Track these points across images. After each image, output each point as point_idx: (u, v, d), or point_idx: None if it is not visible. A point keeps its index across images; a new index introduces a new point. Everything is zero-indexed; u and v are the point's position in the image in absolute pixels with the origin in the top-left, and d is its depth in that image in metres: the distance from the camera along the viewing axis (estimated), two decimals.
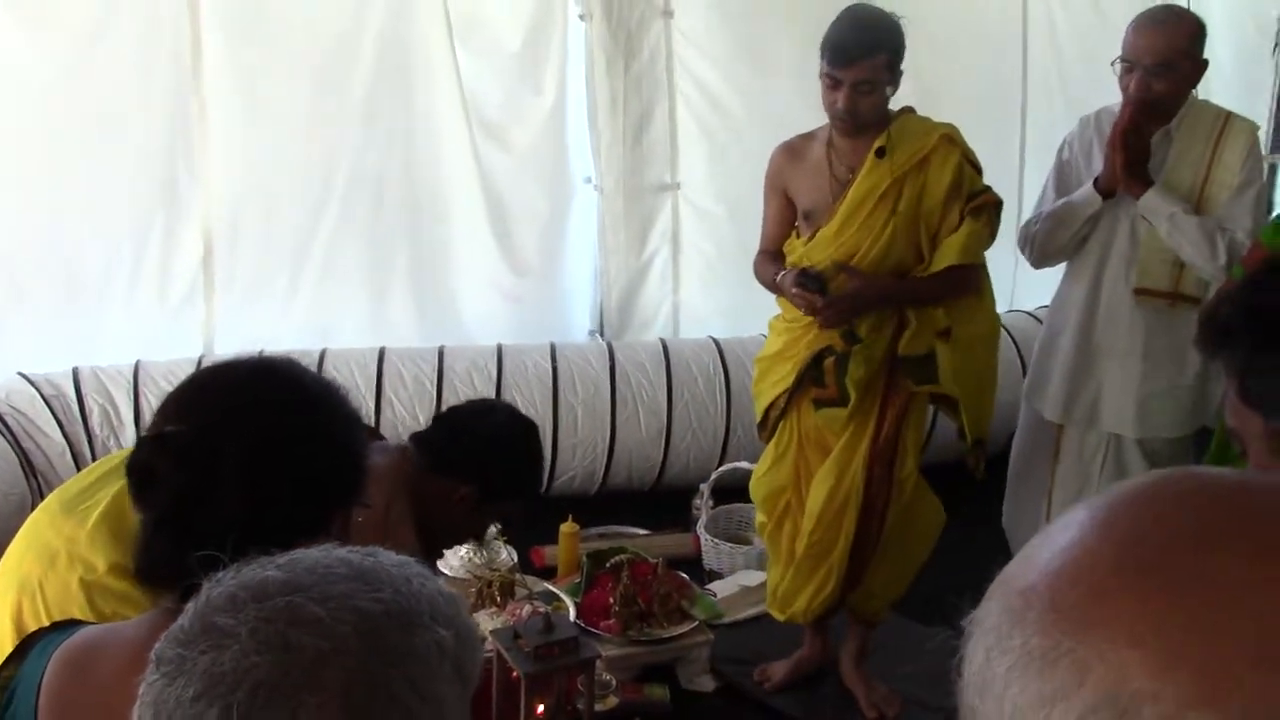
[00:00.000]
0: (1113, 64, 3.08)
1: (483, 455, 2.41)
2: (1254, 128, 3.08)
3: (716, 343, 4.65)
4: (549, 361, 4.41)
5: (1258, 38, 5.34)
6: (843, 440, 3.16)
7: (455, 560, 3.58)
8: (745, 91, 4.81)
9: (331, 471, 1.38)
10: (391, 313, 4.65)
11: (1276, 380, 1.04)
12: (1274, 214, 2.91)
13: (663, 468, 4.49)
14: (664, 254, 4.93)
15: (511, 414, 2.58)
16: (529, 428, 2.56)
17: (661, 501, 4.48)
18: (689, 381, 4.48)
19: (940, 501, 3.35)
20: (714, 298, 4.96)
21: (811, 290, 3.01)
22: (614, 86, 4.70)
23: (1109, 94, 3.21)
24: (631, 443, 4.43)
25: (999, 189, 3.06)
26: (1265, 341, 1.06)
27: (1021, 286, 5.13)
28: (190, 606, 0.85)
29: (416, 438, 2.53)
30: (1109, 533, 0.56)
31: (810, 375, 3.16)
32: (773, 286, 3.23)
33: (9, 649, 1.65)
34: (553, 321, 4.95)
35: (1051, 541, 0.59)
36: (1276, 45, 5.08)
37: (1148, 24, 3.03)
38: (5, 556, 1.81)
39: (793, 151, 3.25)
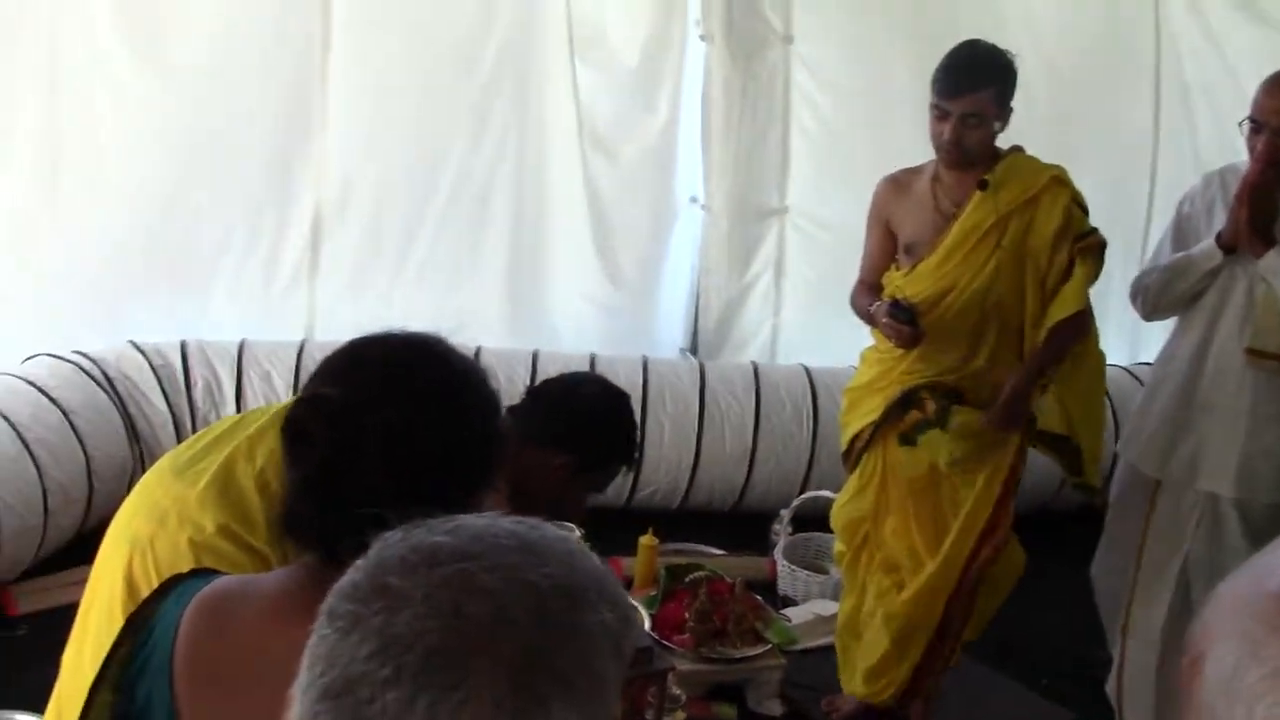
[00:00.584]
0: (1240, 124, 3.04)
1: (579, 424, 2.42)
2: None
3: (807, 370, 4.65)
4: (640, 374, 4.44)
5: None
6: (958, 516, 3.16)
7: None
8: (860, 121, 4.82)
9: (472, 453, 1.41)
10: (488, 313, 4.70)
11: None
12: None
13: (744, 490, 4.49)
14: (767, 277, 4.94)
15: (604, 385, 2.58)
16: (622, 397, 2.55)
17: (740, 523, 4.48)
18: (777, 407, 4.49)
19: (1023, 548, 3.33)
20: (812, 325, 4.95)
21: (901, 321, 3.01)
22: (729, 108, 4.73)
23: (1235, 153, 3.17)
24: (715, 463, 4.44)
25: (1125, 240, 3.05)
26: None
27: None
28: (360, 564, 0.87)
29: (513, 410, 2.57)
30: None
31: (900, 409, 3.16)
32: (867, 317, 3.24)
33: (120, 602, 1.72)
34: (644, 336, 4.98)
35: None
36: None
37: (1275, 85, 2.98)
38: (118, 516, 1.87)
39: (898, 184, 3.27)
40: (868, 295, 3.27)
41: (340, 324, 4.33)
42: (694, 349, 5.01)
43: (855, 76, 4.80)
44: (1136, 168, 5.18)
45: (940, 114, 3.01)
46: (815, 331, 4.95)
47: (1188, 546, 3.15)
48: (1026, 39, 4.54)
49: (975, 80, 2.96)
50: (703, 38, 4.71)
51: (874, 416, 3.22)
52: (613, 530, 3.50)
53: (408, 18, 4.39)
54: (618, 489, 4.37)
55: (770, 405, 4.47)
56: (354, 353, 1.44)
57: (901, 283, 3.18)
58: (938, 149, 3.08)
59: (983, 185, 3.04)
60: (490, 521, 0.89)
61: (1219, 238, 3.04)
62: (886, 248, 3.29)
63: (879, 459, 3.25)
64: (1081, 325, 3.08)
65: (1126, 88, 5.15)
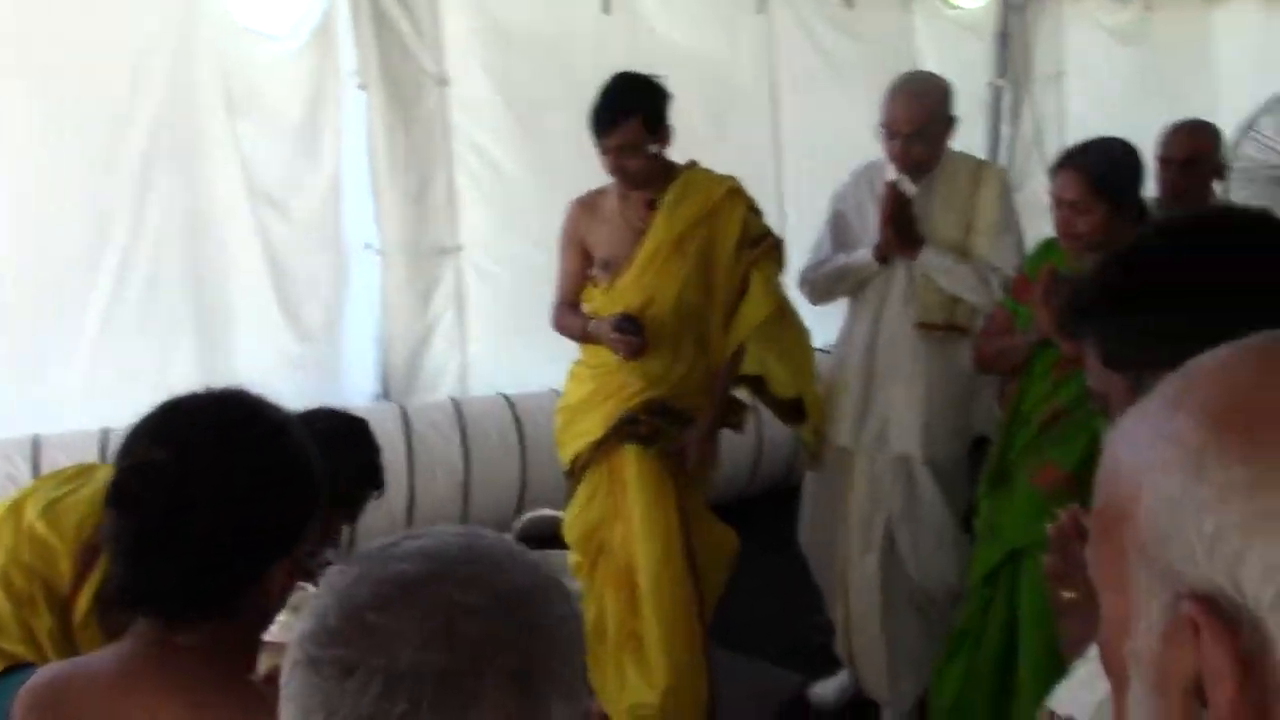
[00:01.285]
0: (875, 131, 3.42)
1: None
2: (1004, 173, 3.50)
3: (507, 398, 4.77)
4: None
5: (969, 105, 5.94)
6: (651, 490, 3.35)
7: (273, 626, 3.53)
8: (522, 156, 4.99)
9: (299, 487, 1.44)
10: (175, 383, 4.49)
11: (1125, 345, 1.24)
12: (1033, 248, 3.30)
13: (463, 522, 4.55)
14: (449, 315, 5.01)
15: (336, 413, 2.59)
16: (358, 421, 2.58)
17: None
18: (483, 438, 4.58)
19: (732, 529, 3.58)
20: (500, 355, 5.08)
21: (631, 333, 3.19)
22: (393, 153, 4.79)
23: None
24: (430, 502, 4.48)
25: None
26: (1120, 313, 1.26)
27: None
28: (315, 608, 0.87)
29: None
30: None
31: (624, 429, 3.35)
32: (582, 335, 3.39)
33: None
34: (334, 385, 4.93)
35: (1229, 386, 0.65)
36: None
37: (902, 95, 3.36)
38: None
39: (588, 206, 3.44)
40: (574, 315, 3.43)
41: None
42: (385, 393, 5.02)
43: (513, 112, 4.97)
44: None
45: (601, 148, 3.21)
46: (504, 361, 5.08)
47: (888, 505, 3.52)
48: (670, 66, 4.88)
49: (618, 114, 3.15)
50: (361, 86, 4.75)
51: (594, 436, 3.37)
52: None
53: (49, 93, 4.16)
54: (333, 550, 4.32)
55: (476, 437, 4.56)
56: (174, 414, 1.45)
57: (602, 299, 3.36)
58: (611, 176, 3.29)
59: (651, 205, 3.28)
60: (433, 538, 0.92)
61: (876, 251, 3.41)
62: (582, 267, 3.46)
63: (604, 469, 3.41)
64: (739, 359, 3.41)
65: (747, 104, 5.59)
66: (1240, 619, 0.59)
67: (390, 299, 4.95)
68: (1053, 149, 5.65)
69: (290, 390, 4.69)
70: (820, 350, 5.26)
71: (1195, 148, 3.77)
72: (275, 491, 1.41)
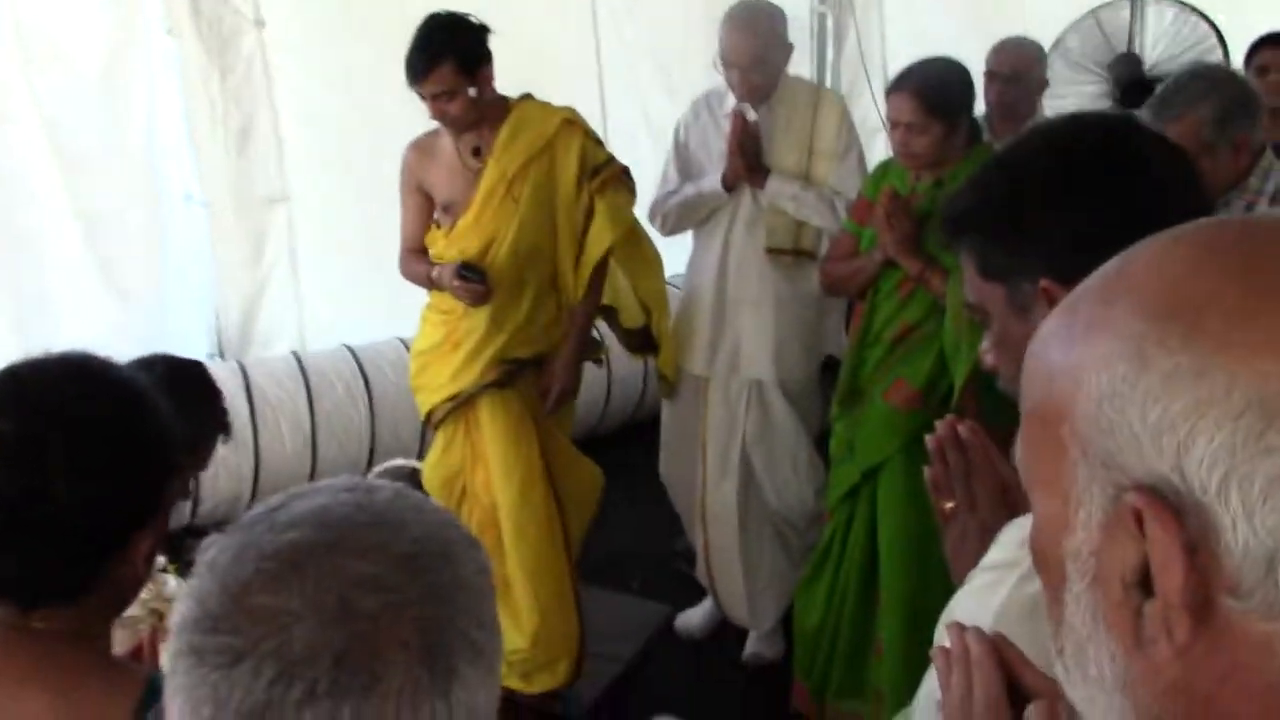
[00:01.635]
0: (714, 63, 3.42)
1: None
2: (842, 97, 3.55)
3: (350, 349, 4.65)
4: None
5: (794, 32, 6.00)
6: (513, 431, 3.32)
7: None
8: (348, 98, 4.82)
9: (157, 452, 1.37)
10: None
11: (1005, 255, 1.27)
12: (871, 170, 3.36)
13: (312, 478, 4.43)
14: (282, 267, 4.84)
15: (171, 360, 2.46)
16: (197, 365, 2.49)
17: None
18: (328, 390, 4.47)
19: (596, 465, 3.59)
20: (339, 306, 4.93)
21: (473, 281, 3.13)
22: (211, 102, 4.56)
23: None
24: (277, 460, 4.35)
25: None
26: (996, 224, 1.28)
27: None
28: (196, 589, 0.80)
29: None
30: (1224, 262, 0.63)
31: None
32: (427, 282, 3.32)
33: None
34: (165, 347, 4.71)
35: (1161, 277, 0.65)
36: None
37: (737, 26, 3.37)
38: None
39: (423, 148, 3.35)
40: (419, 261, 3.36)
41: None
42: (220, 352, 4.83)
43: (334, 54, 4.78)
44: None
45: (420, 96, 3.12)
46: (343, 312, 4.94)
47: (743, 429, 3.56)
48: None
49: (430, 61, 3.05)
50: (169, 32, 4.50)
51: (448, 393, 3.32)
52: (184, 551, 3.35)
53: None
54: (179, 509, 4.16)
55: (320, 390, 4.44)
56: (13, 382, 1.36)
57: (444, 243, 3.29)
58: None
59: (475, 153, 3.21)
60: (325, 500, 0.85)
61: (724, 180, 3.43)
62: (424, 211, 3.38)
63: (460, 415, 3.36)
64: (603, 275, 3.37)
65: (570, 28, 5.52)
66: (1185, 507, 0.60)
67: (219, 253, 4.75)
68: (877, 71, 5.77)
69: (121, 357, 4.47)
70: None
71: (1020, 62, 3.90)
72: (131, 460, 1.34)
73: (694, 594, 3.95)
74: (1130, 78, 4.93)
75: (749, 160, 3.36)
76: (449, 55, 3.06)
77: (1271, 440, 0.57)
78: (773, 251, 3.46)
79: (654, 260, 3.56)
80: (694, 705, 3.30)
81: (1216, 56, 4.74)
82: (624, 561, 4.20)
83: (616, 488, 3.69)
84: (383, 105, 4.73)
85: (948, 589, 3.27)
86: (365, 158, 4.76)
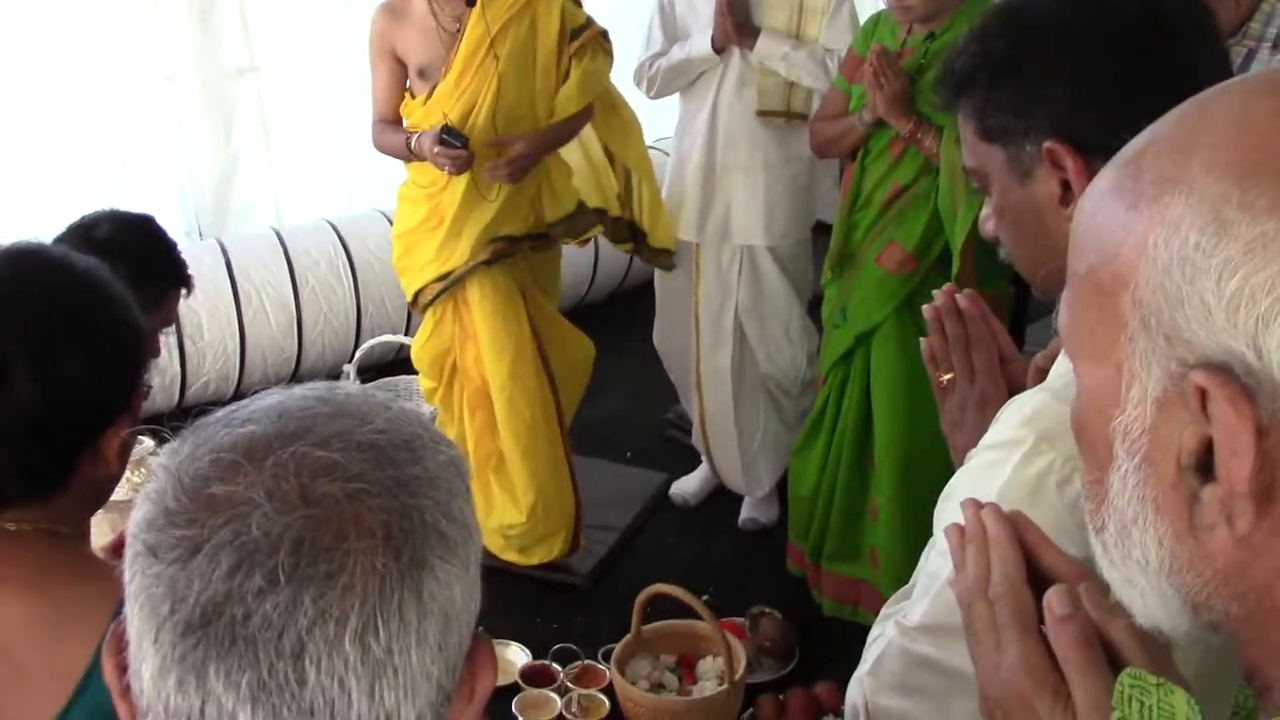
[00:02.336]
0: None
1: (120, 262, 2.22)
2: None
3: (332, 224, 4.57)
4: None
5: None
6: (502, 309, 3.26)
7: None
8: None
9: (123, 343, 1.34)
10: None
11: (1007, 115, 1.19)
12: (861, 25, 3.26)
13: (299, 358, 4.40)
14: (255, 140, 4.72)
15: (118, 215, 2.30)
16: (144, 218, 2.34)
17: None
18: (311, 267, 4.39)
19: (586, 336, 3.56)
20: (315, 180, 4.83)
21: (456, 147, 3.05)
22: None
23: None
24: (263, 338, 4.30)
25: None
26: (997, 81, 1.20)
27: None
28: (152, 490, 0.76)
29: None
30: None
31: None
32: (404, 153, 3.22)
33: None
34: None
35: (1246, 133, 0.60)
36: None
37: None
38: None
39: (395, 12, 3.22)
40: (394, 132, 3.26)
41: None
42: (198, 231, 4.74)
43: None
44: None
45: None
46: (320, 185, 4.84)
47: (735, 296, 3.53)
48: None
49: None
50: None
51: (439, 271, 3.24)
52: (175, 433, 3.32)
53: None
54: (167, 391, 4.14)
55: (304, 266, 4.36)
56: None
57: (421, 112, 3.19)
58: None
59: (470, 2, 3.08)
60: (283, 396, 0.82)
61: (713, 41, 3.32)
62: (398, 79, 3.27)
63: (450, 295, 3.30)
64: (586, 111, 3.29)
65: None
66: (1259, 387, 0.57)
67: (188, 128, 4.62)
68: None
69: None
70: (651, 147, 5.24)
71: None
72: (96, 353, 1.31)
73: (688, 461, 3.96)
74: None
75: (738, 20, 3.25)
76: None
77: None
78: (764, 114, 3.37)
79: (632, 126, 3.50)
80: (691, 571, 3.33)
81: None
82: (617, 431, 4.20)
83: (607, 357, 3.67)
84: None
85: (942, 454, 3.29)
86: (334, 24, 4.62)
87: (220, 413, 0.81)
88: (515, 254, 3.29)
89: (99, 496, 1.37)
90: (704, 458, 3.82)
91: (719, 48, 3.32)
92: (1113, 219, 0.64)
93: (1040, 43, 1.19)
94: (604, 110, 3.42)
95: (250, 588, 0.70)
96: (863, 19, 3.31)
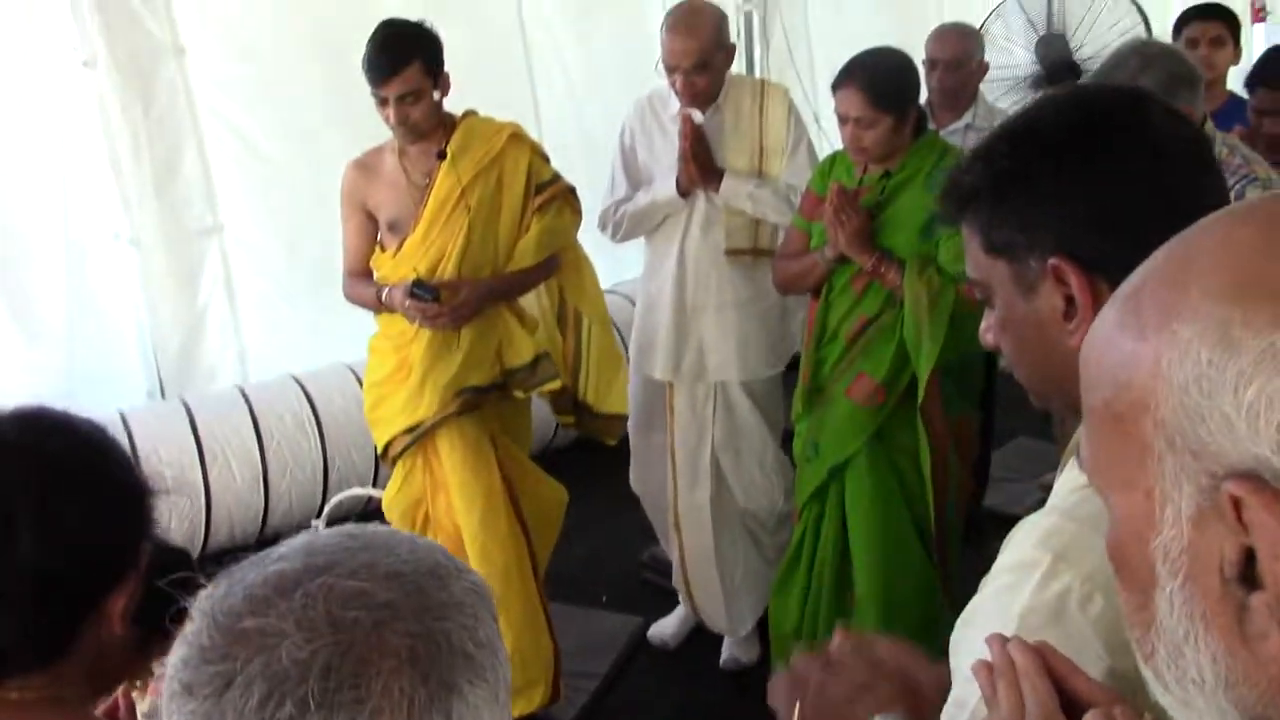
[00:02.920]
0: (656, 67, 3.39)
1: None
2: (787, 91, 3.53)
3: (297, 379, 4.56)
4: (124, 430, 4.11)
5: None
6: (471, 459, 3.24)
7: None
8: (274, 123, 4.73)
9: (126, 505, 1.33)
10: None
11: (1012, 230, 1.21)
12: (817, 164, 3.35)
13: (266, 515, 4.34)
14: (219, 299, 4.73)
15: (71, 430, 2.28)
16: (99, 431, 2.32)
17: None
18: (276, 422, 4.37)
19: (558, 482, 3.54)
20: (280, 336, 4.83)
21: (427, 300, 3.08)
22: (134, 133, 4.44)
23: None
24: (228, 496, 4.25)
25: None
26: (1003, 198, 1.23)
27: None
28: (189, 634, 0.78)
29: None
30: None
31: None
32: (376, 305, 3.26)
33: None
34: (104, 389, 4.59)
35: (1236, 257, 0.63)
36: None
37: (679, 30, 3.32)
38: None
39: (366, 167, 3.30)
40: (365, 284, 3.30)
41: None
42: (161, 391, 4.71)
43: (260, 78, 4.69)
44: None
45: (380, 101, 3.07)
46: (285, 342, 4.84)
47: (711, 433, 3.54)
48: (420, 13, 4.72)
49: (398, 61, 3.02)
50: (86, 63, 4.38)
51: (409, 423, 3.23)
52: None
53: None
54: None
55: (269, 422, 4.34)
56: None
57: (390, 265, 3.23)
58: (393, 130, 3.16)
59: (441, 155, 3.17)
60: (312, 536, 0.86)
61: (678, 185, 3.40)
62: (368, 232, 3.33)
63: (419, 445, 3.29)
64: (549, 264, 3.33)
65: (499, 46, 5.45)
66: None
67: (151, 290, 4.62)
68: (804, 64, 5.79)
69: (58, 399, 4.33)
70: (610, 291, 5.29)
71: (961, 49, 3.94)
72: (101, 515, 1.29)
73: (664, 603, 3.92)
74: (1057, 59, 4.98)
75: (702, 164, 3.34)
76: (417, 54, 3.05)
77: None
78: (732, 252, 3.45)
79: (592, 288, 3.55)
80: (675, 715, 3.27)
81: (1140, 32, 4.80)
82: (592, 575, 4.16)
83: (577, 501, 3.65)
84: (311, 125, 4.69)
85: (921, 584, 3.28)
86: (297, 181, 4.69)
87: (253, 556, 0.84)
88: (484, 404, 3.29)
89: (105, 661, 1.34)
90: (683, 599, 3.79)
91: (685, 192, 3.40)
92: (1122, 351, 0.66)
93: (1044, 162, 1.22)
94: (566, 268, 3.46)
95: (282, 716, 0.71)
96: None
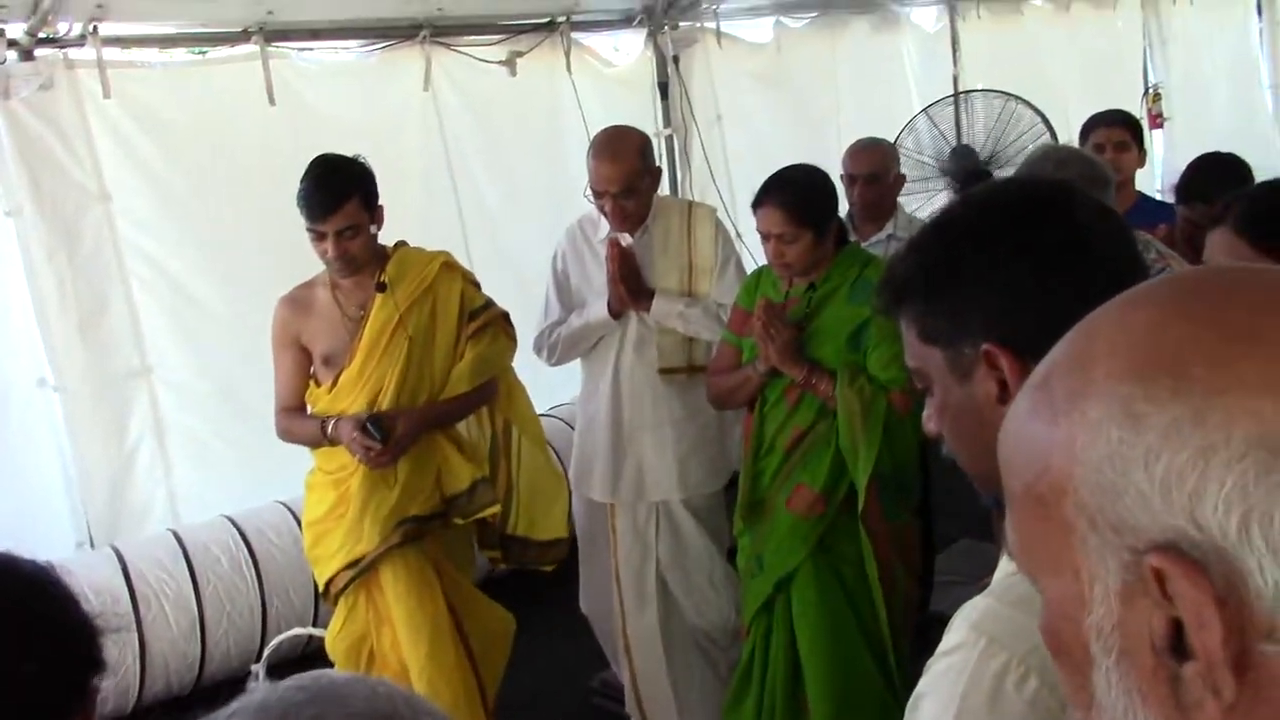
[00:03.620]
0: (585, 194, 3.46)
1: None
2: (714, 210, 3.61)
3: (231, 520, 4.48)
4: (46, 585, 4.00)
5: None
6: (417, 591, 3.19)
7: None
8: (200, 264, 4.72)
9: (76, 647, 1.31)
10: None
11: (945, 319, 1.26)
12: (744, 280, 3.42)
13: (203, 661, 4.22)
14: (148, 442, 4.66)
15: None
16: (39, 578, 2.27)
17: (206, 698, 4.19)
18: (212, 564, 4.27)
19: (506, 609, 3.49)
20: (212, 476, 4.76)
21: (375, 440, 3.04)
22: (60, 280, 4.41)
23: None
24: (164, 644, 4.12)
25: None
26: (935, 288, 1.28)
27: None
28: None
29: None
30: (1191, 313, 0.65)
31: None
32: (318, 438, 3.22)
33: None
34: (29, 541, 4.44)
35: (1133, 337, 0.66)
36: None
37: (605, 155, 3.41)
38: None
39: (298, 302, 3.29)
40: (303, 420, 3.27)
41: None
42: (90, 540, 4.59)
43: (185, 222, 4.70)
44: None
45: (317, 236, 3.07)
46: (215, 481, 4.77)
47: (655, 553, 3.53)
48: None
49: (337, 197, 3.04)
50: (9, 213, 4.36)
51: (349, 558, 3.18)
52: None
53: None
54: None
55: (204, 565, 4.25)
56: None
57: (326, 400, 3.22)
58: (327, 266, 3.17)
59: (381, 287, 3.17)
60: (267, 691, 0.84)
61: (609, 308, 3.45)
62: (302, 368, 3.31)
63: (362, 580, 3.23)
64: (486, 390, 3.33)
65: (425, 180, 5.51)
66: (1208, 558, 0.59)
67: (78, 436, 4.54)
68: (724, 184, 5.93)
69: None
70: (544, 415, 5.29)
71: (879, 163, 4.09)
72: (50, 649, 1.28)
73: None
74: (967, 168, 5.16)
75: (631, 287, 3.39)
76: (355, 190, 3.07)
77: None
78: (666, 371, 3.48)
79: (527, 410, 3.55)
80: None
81: (1045, 140, 4.99)
82: (542, 703, 4.08)
83: (524, 628, 3.60)
84: (236, 266, 4.69)
85: (874, 691, 3.26)
86: (224, 320, 4.67)
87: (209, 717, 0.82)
88: (426, 534, 3.25)
89: None
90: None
91: (616, 313, 3.45)
92: (1037, 436, 0.68)
93: (974, 253, 1.27)
94: (502, 392, 3.46)
95: None
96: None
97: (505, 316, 3.36)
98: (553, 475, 3.59)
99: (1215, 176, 3.58)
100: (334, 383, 3.21)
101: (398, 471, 3.18)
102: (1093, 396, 0.65)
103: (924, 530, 3.47)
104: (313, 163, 3.14)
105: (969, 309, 1.25)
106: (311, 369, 3.29)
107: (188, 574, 4.21)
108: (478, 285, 3.36)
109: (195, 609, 4.18)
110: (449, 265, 3.30)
